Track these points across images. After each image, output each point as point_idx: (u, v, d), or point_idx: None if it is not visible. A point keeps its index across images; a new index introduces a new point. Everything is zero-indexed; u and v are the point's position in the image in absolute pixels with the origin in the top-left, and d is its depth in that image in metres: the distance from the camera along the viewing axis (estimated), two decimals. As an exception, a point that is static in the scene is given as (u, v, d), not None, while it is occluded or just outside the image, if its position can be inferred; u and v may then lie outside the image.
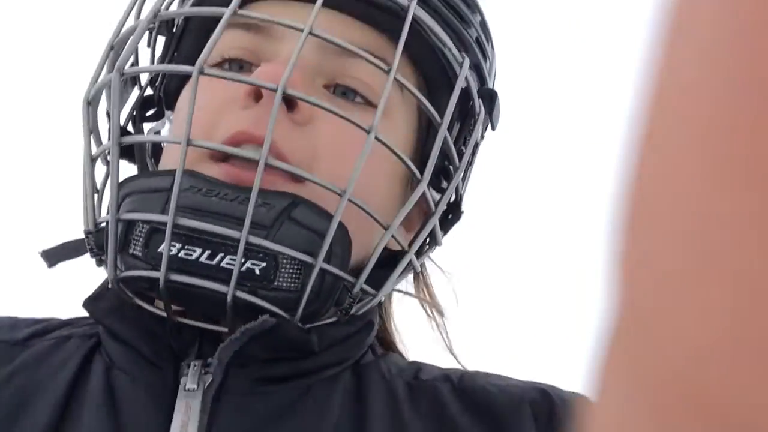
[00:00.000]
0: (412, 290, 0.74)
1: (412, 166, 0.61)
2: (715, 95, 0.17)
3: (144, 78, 0.72)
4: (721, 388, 0.16)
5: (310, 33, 0.57)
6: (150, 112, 0.72)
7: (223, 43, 0.65)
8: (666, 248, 0.18)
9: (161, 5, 0.60)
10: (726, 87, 0.17)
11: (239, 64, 0.66)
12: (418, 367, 0.67)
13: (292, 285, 0.57)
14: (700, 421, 0.17)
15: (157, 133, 0.73)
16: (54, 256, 0.67)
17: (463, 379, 0.65)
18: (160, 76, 0.71)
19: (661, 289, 0.18)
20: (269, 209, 0.57)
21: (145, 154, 0.72)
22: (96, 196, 0.62)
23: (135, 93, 0.71)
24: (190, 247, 0.56)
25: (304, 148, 0.61)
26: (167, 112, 0.72)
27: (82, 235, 0.64)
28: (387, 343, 0.74)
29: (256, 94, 0.60)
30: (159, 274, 0.56)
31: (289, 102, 0.60)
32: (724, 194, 0.16)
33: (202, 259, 0.56)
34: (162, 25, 0.71)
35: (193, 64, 0.56)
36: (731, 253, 0.16)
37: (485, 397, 0.62)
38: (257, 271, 0.56)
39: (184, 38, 0.70)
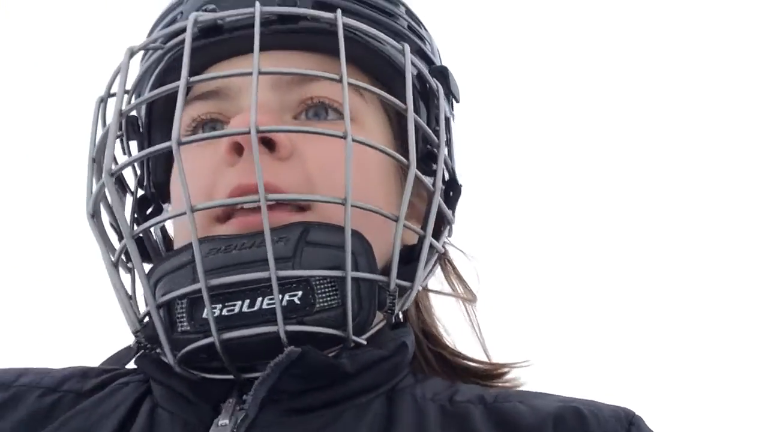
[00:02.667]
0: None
1: (396, 155, 0.64)
2: None
3: (131, 183, 0.76)
4: None
5: (260, 72, 0.61)
6: (149, 211, 0.76)
7: (188, 115, 0.69)
8: None
9: (122, 105, 0.64)
10: None
11: (212, 125, 0.69)
12: (455, 390, 0.67)
13: (333, 302, 0.60)
14: None
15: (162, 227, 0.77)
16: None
17: (497, 399, 0.64)
18: (145, 175, 0.75)
19: None
20: (286, 242, 0.60)
21: (160, 251, 0.75)
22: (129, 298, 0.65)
23: (129, 200, 0.75)
24: (230, 303, 0.59)
25: (297, 179, 0.64)
26: (164, 206, 0.76)
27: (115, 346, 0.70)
28: (433, 337, 0.76)
29: (237, 148, 0.64)
30: (213, 338, 0.59)
31: (268, 143, 0.64)
32: None
33: (245, 309, 0.59)
34: (128, 128, 0.74)
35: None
36: None
37: (514, 417, 0.62)
38: (297, 301, 0.59)
39: (153, 131, 0.74)
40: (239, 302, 0.59)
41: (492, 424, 0.62)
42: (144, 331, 0.63)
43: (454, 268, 0.78)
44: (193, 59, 0.63)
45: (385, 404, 0.63)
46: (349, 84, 0.64)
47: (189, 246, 0.62)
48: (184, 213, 0.59)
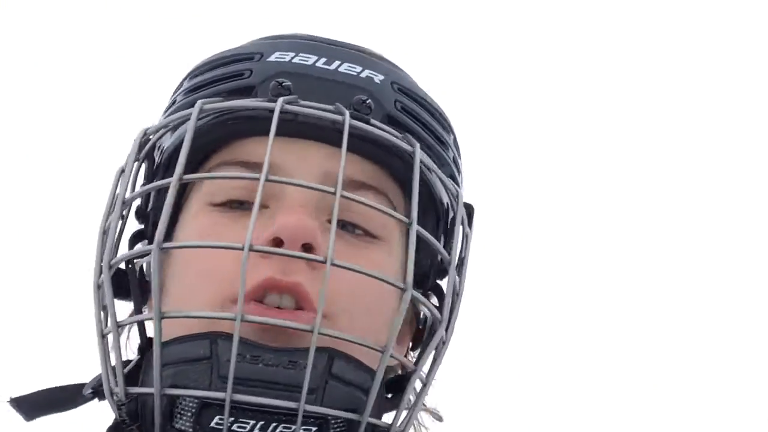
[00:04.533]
0: None
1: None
2: None
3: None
4: None
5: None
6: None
7: (224, 180, 0.66)
8: None
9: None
10: None
11: (240, 202, 0.66)
12: None
13: None
14: None
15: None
16: (32, 408, 0.67)
17: None
18: (149, 210, 0.71)
19: None
20: (313, 370, 0.59)
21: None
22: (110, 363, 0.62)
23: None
24: (243, 420, 0.57)
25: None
26: None
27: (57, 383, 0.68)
28: None
29: (277, 244, 0.61)
30: None
31: (305, 247, 0.62)
32: None
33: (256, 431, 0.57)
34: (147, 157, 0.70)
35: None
36: None
37: None
38: None
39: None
40: (252, 422, 0.57)
41: None
42: (128, 405, 0.60)
43: None
44: (256, 124, 0.65)
45: None
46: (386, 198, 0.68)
47: (206, 336, 0.59)
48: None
